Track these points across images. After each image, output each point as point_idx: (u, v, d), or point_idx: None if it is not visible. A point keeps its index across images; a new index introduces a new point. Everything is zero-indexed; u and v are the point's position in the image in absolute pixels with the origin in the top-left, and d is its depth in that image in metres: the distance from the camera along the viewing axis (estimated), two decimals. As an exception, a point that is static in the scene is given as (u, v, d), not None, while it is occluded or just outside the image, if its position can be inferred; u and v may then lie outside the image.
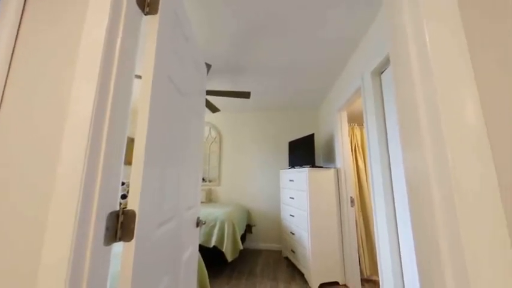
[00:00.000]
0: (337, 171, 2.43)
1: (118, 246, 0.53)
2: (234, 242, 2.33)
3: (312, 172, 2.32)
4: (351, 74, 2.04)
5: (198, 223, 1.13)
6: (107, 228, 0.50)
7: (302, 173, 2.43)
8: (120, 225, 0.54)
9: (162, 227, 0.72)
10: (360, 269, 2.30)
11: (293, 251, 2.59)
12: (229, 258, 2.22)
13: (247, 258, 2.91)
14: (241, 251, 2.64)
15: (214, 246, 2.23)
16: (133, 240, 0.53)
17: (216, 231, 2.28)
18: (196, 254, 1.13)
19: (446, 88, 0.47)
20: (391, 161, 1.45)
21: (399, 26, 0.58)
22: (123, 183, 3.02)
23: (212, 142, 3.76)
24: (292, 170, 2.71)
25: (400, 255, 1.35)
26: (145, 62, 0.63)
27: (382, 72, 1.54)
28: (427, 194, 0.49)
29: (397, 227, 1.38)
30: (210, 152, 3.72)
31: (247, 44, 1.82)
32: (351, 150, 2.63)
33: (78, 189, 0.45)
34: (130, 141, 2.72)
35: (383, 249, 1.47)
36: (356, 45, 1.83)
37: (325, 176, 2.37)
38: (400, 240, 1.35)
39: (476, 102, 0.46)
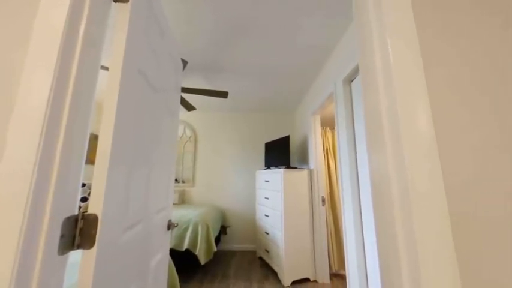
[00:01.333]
0: (310, 172, 2.54)
1: (77, 254, 0.48)
2: (208, 244, 2.27)
3: (286, 173, 2.39)
4: (324, 80, 2.15)
5: (170, 226, 1.07)
6: (62, 235, 0.45)
7: (277, 174, 2.48)
8: (79, 232, 0.48)
9: (129, 232, 0.66)
10: (329, 264, 2.43)
11: (267, 251, 2.63)
12: (203, 261, 2.16)
13: (221, 260, 2.87)
14: (214, 253, 2.58)
15: (186, 249, 2.14)
16: (94, 248, 0.48)
17: (189, 233, 2.20)
18: (167, 259, 1.08)
19: (404, 97, 0.53)
20: (358, 162, 1.57)
21: (367, 40, 0.64)
22: (83, 185, 2.73)
23: (187, 141, 3.62)
24: (268, 170, 2.75)
25: (364, 251, 1.47)
26: (114, 53, 0.58)
27: (352, 80, 1.66)
28: (388, 193, 0.54)
29: (362, 225, 1.50)
30: (184, 151, 3.58)
31: (226, 43, 1.80)
32: (323, 152, 2.77)
33: (27, 191, 0.39)
34: (94, 138, 2.47)
35: (350, 245, 1.58)
36: (329, 53, 1.94)
37: (299, 176, 2.46)
38: (364, 237, 1.47)
39: (428, 111, 0.52)
